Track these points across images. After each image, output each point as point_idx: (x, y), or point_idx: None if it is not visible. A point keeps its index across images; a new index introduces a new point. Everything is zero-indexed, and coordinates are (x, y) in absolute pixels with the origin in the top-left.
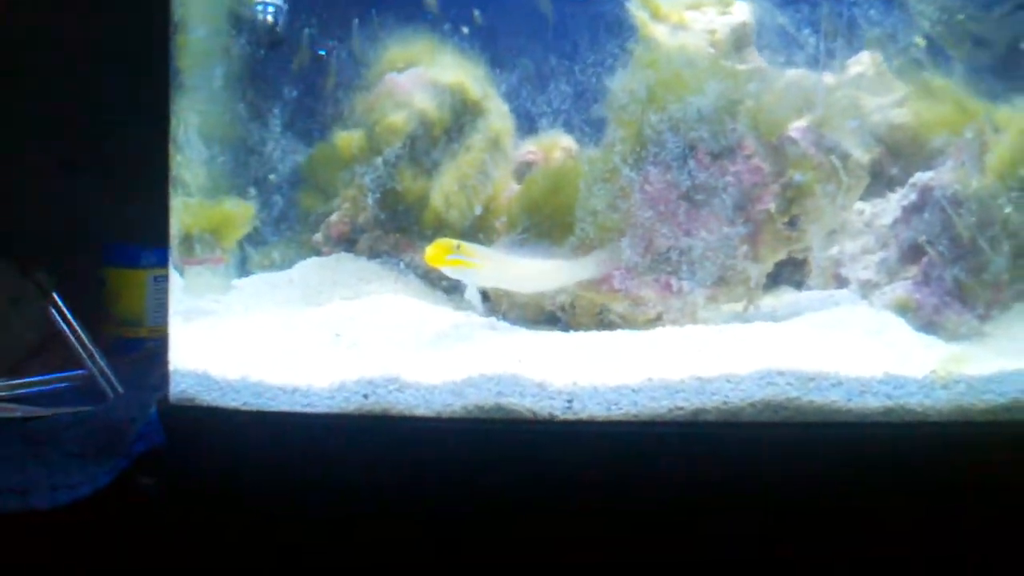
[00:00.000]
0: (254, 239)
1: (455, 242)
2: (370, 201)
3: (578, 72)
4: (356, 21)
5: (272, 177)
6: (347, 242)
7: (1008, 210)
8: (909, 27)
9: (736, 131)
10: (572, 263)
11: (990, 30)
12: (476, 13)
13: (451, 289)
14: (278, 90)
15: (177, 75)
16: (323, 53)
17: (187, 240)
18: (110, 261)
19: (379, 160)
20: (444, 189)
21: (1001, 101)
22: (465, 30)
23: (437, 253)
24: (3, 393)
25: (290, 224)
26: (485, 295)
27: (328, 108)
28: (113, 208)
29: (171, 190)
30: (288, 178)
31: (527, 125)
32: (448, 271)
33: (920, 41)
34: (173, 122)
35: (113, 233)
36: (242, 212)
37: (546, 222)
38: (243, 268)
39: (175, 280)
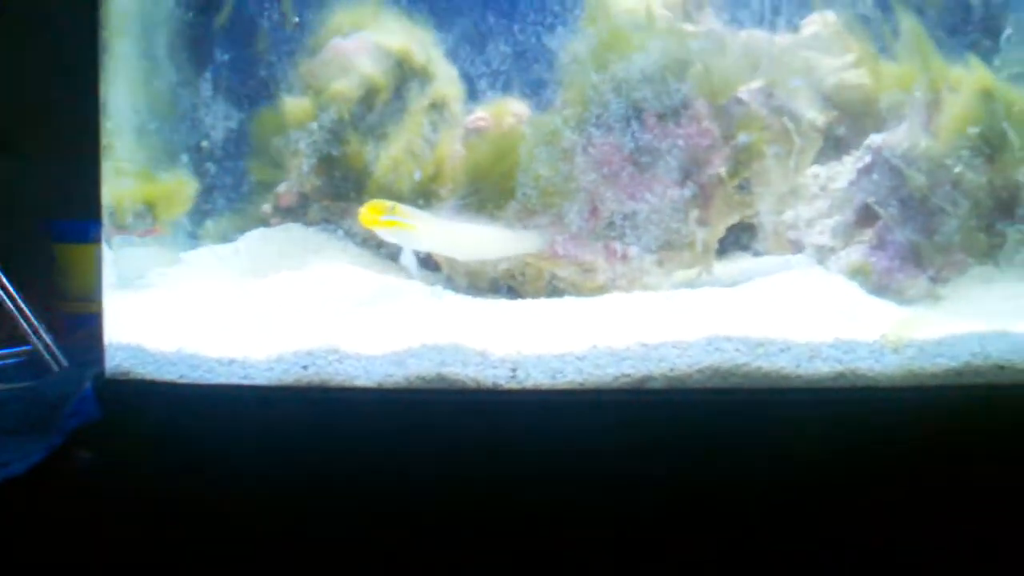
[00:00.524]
0: (202, 211)
1: (389, 203)
2: (305, 169)
3: (528, 34)
4: None
5: (205, 144)
6: (296, 212)
7: (959, 170)
8: None
9: (685, 93)
10: (514, 234)
11: None
12: None
13: (395, 256)
14: (215, 55)
15: (105, 41)
16: (297, 20)
17: (121, 212)
18: (59, 237)
19: (325, 127)
20: (391, 156)
21: (955, 59)
22: None
23: (370, 214)
24: None
25: (238, 194)
26: (434, 263)
27: (272, 73)
28: (60, 184)
29: (102, 161)
30: (234, 148)
31: (478, 90)
32: (382, 233)
33: None
34: (103, 90)
35: (61, 209)
36: (179, 185)
37: (490, 188)
38: (191, 240)
39: (108, 254)
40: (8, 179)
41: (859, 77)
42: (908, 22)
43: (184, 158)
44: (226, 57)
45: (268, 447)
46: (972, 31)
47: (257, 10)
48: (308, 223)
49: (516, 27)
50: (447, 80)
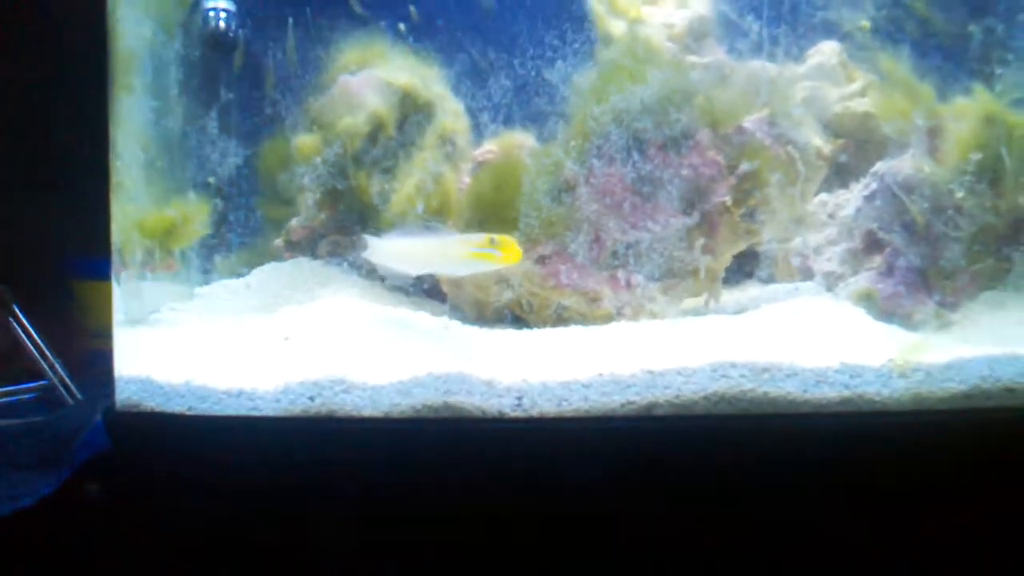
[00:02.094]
0: (217, 247)
1: None
2: (311, 203)
3: (540, 69)
4: (308, 24)
5: (212, 180)
6: (305, 246)
7: (962, 195)
8: (857, 11)
9: (690, 124)
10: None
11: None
12: (413, 9)
13: (404, 288)
14: (226, 93)
15: (116, 82)
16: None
17: (129, 248)
18: (78, 274)
19: (330, 162)
20: (402, 190)
21: (958, 89)
22: (403, 28)
23: None
24: None
25: (249, 230)
26: (441, 294)
27: (282, 111)
28: (79, 222)
29: (112, 200)
30: (244, 185)
31: (488, 123)
32: None
33: (865, 24)
34: (113, 130)
35: (81, 246)
36: (186, 217)
37: (495, 218)
38: (205, 276)
39: (117, 290)
40: (29, 216)
41: (864, 105)
42: (886, 61)
43: (192, 195)
44: (232, 95)
45: (275, 477)
46: (973, 58)
47: (264, 49)
48: (317, 256)
49: (526, 62)
50: (452, 114)
